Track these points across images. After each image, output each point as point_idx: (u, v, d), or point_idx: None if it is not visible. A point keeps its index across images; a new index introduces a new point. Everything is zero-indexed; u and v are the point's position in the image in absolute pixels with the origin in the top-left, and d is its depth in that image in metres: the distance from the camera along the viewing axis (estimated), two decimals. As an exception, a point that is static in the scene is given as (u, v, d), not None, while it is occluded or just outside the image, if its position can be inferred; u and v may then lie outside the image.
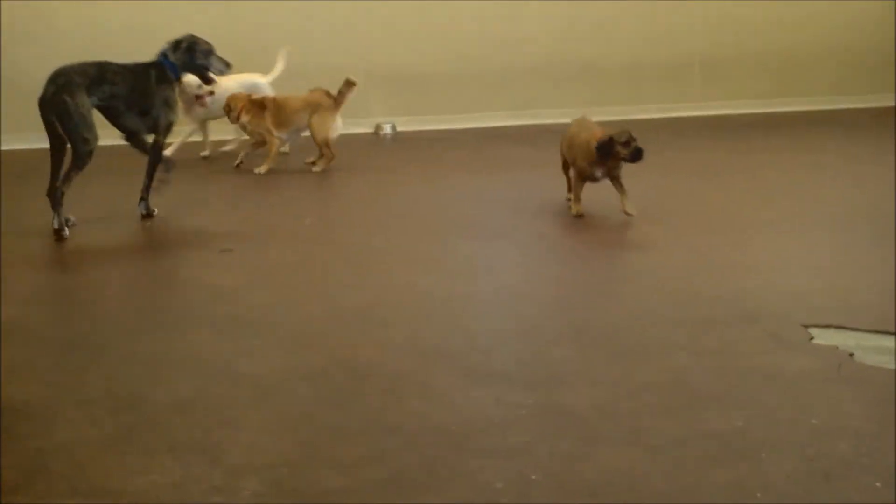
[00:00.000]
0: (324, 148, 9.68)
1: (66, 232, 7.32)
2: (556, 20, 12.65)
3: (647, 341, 5.14)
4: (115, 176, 8.90)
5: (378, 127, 12.10)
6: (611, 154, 7.54)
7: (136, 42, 11.13)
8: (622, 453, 3.93)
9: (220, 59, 8.10)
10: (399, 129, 12.15)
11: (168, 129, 7.85)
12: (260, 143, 9.83)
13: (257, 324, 5.45)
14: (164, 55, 7.81)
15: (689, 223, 7.27)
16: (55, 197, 7.33)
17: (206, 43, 8.04)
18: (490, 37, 12.50)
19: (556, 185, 8.55)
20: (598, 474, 3.77)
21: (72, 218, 7.54)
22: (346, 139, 11.33)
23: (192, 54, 7.91)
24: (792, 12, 13.51)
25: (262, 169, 9.58)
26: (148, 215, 7.88)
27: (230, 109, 9.69)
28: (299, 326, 5.44)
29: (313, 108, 9.64)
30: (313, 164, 9.72)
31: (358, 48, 12.03)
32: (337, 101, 9.60)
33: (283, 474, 3.77)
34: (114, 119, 7.65)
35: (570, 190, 8.03)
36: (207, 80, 8.31)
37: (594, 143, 7.57)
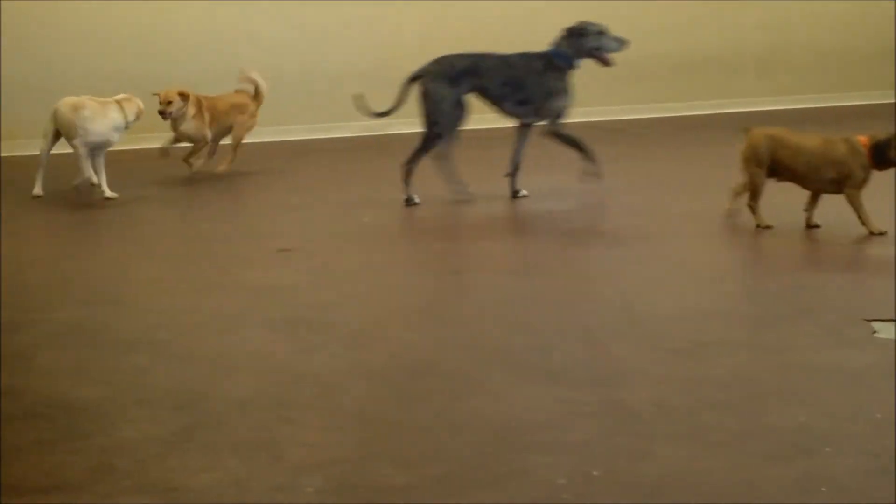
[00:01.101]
0: (237, 150, 9.52)
1: (415, 200, 8.09)
2: (610, 17, 12.57)
3: (706, 337, 5.12)
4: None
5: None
6: (885, 158, 6.84)
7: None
8: (683, 449, 3.92)
9: (615, 37, 8.24)
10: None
11: (558, 115, 8.15)
12: (199, 146, 9.39)
13: (317, 323, 5.47)
14: (556, 45, 8.15)
15: (749, 219, 7.21)
16: (405, 171, 8.11)
17: (597, 25, 8.21)
18: (536, 36, 12.43)
19: (609, 182, 8.53)
20: (660, 470, 3.76)
21: (415, 197, 8.11)
22: (395, 140, 11.34)
23: (581, 39, 8.13)
24: (848, 7, 13.39)
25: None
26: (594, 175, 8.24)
27: (169, 105, 9.13)
28: (359, 325, 5.46)
29: (240, 109, 9.51)
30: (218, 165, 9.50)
31: (385, 51, 11.99)
32: (258, 102, 9.58)
33: (345, 471, 3.79)
34: (494, 106, 8.23)
35: (810, 203, 7.10)
36: (605, 62, 8.26)
37: (860, 146, 6.84)
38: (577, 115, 12.06)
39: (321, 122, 11.71)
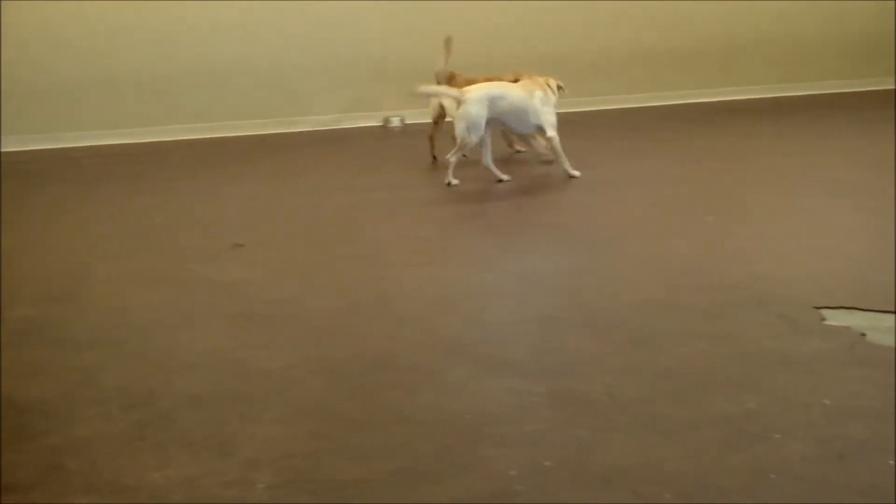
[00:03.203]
0: None
1: None
2: (565, 12, 12.63)
3: (659, 328, 5.14)
4: None
5: (386, 120, 12.09)
6: None
7: (135, 42, 11.26)
8: (637, 439, 3.94)
9: None
10: (408, 121, 12.14)
11: None
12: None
13: (271, 318, 5.46)
14: None
15: (701, 208, 7.26)
16: None
17: None
18: (492, 30, 12.47)
19: (562, 175, 8.55)
20: (613, 460, 3.78)
21: None
22: (355, 132, 11.38)
23: None
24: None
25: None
26: None
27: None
28: (314, 320, 5.45)
29: None
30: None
31: (369, 43, 12.03)
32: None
33: (298, 466, 3.79)
34: None
35: None
36: None
37: None
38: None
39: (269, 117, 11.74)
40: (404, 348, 4.98)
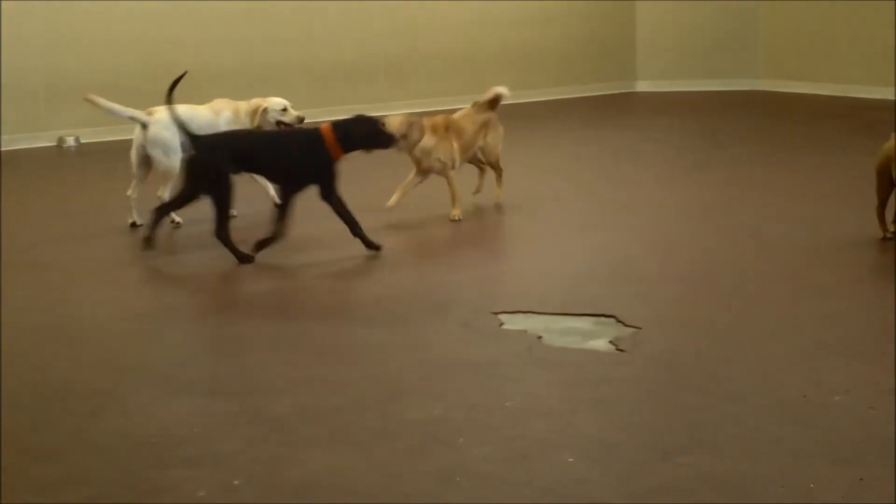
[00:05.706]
0: (498, 168, 8.17)
1: None
2: (256, 24, 12.60)
3: (343, 340, 5.20)
4: None
5: (61, 140, 11.74)
6: None
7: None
8: (327, 452, 3.98)
9: None
10: (83, 140, 11.83)
11: None
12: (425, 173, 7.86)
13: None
14: None
15: (375, 219, 7.35)
16: None
17: None
18: (171, 41, 12.31)
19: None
20: (304, 474, 3.80)
21: None
22: (27, 153, 11.00)
23: None
24: (476, 10, 13.89)
25: (457, 213, 7.57)
26: None
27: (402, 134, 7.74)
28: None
29: (487, 126, 8.07)
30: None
31: (37, 56, 11.65)
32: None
33: (-22, 503, 3.65)
34: None
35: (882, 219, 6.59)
36: None
37: None
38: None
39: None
40: (85, 374, 4.87)
